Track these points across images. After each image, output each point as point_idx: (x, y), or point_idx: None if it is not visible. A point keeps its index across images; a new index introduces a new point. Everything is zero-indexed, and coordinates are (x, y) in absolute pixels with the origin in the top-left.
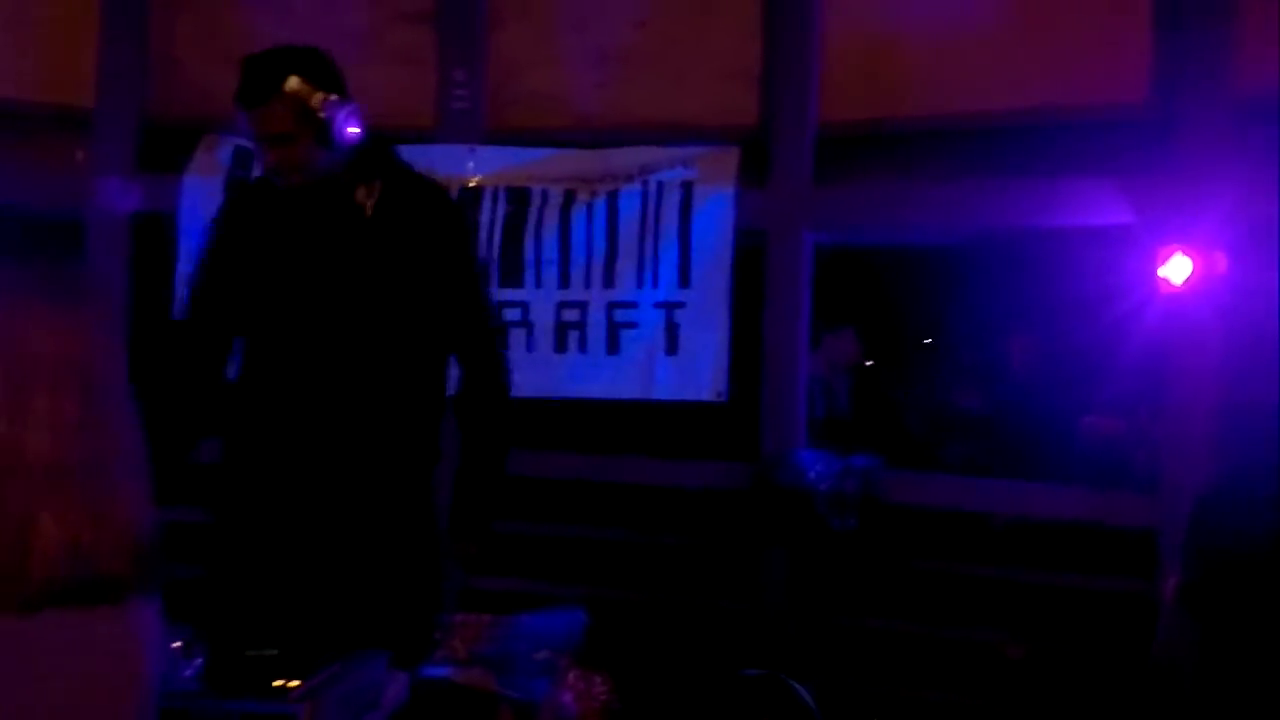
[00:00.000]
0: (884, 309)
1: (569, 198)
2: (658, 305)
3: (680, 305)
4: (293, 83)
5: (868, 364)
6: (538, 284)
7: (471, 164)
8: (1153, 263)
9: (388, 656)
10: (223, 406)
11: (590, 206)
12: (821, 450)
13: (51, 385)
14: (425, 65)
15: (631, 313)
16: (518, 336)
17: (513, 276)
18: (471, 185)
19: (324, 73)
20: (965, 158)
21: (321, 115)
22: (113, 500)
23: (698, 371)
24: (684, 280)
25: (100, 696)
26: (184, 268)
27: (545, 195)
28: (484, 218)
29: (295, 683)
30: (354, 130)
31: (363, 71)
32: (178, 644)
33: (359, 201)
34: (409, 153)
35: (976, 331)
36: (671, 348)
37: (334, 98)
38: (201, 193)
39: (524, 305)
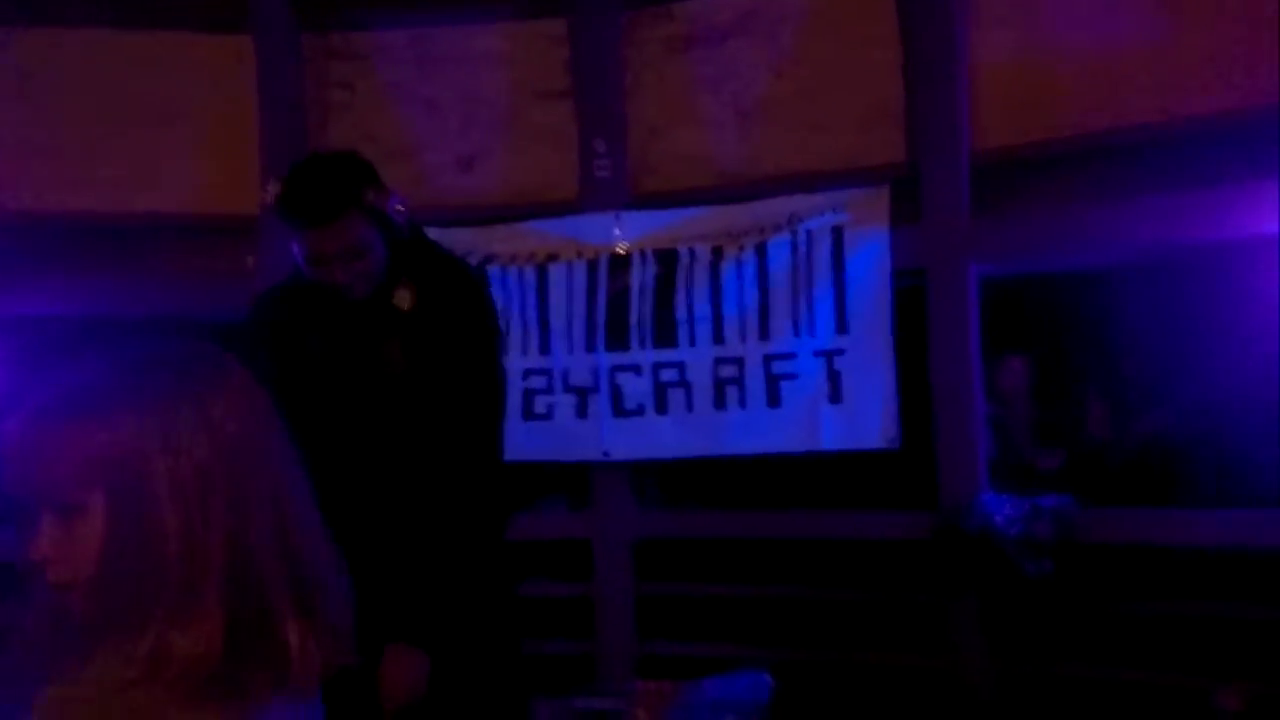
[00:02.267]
0: (1057, 337)
1: (717, 253)
2: (817, 354)
3: (840, 352)
4: (368, 192)
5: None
6: (692, 343)
7: (617, 230)
8: None
9: None
10: None
11: (739, 260)
12: (1007, 493)
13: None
14: (567, 139)
15: (790, 364)
16: (676, 397)
17: (666, 337)
18: (619, 252)
19: (374, 171)
20: (1125, 176)
21: (392, 219)
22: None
23: (865, 418)
24: (842, 326)
25: None
26: None
27: (693, 253)
28: (634, 282)
29: None
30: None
31: (508, 152)
32: None
33: (396, 303)
34: (555, 225)
35: (1159, 354)
36: (835, 396)
37: (394, 195)
38: None
39: (680, 365)
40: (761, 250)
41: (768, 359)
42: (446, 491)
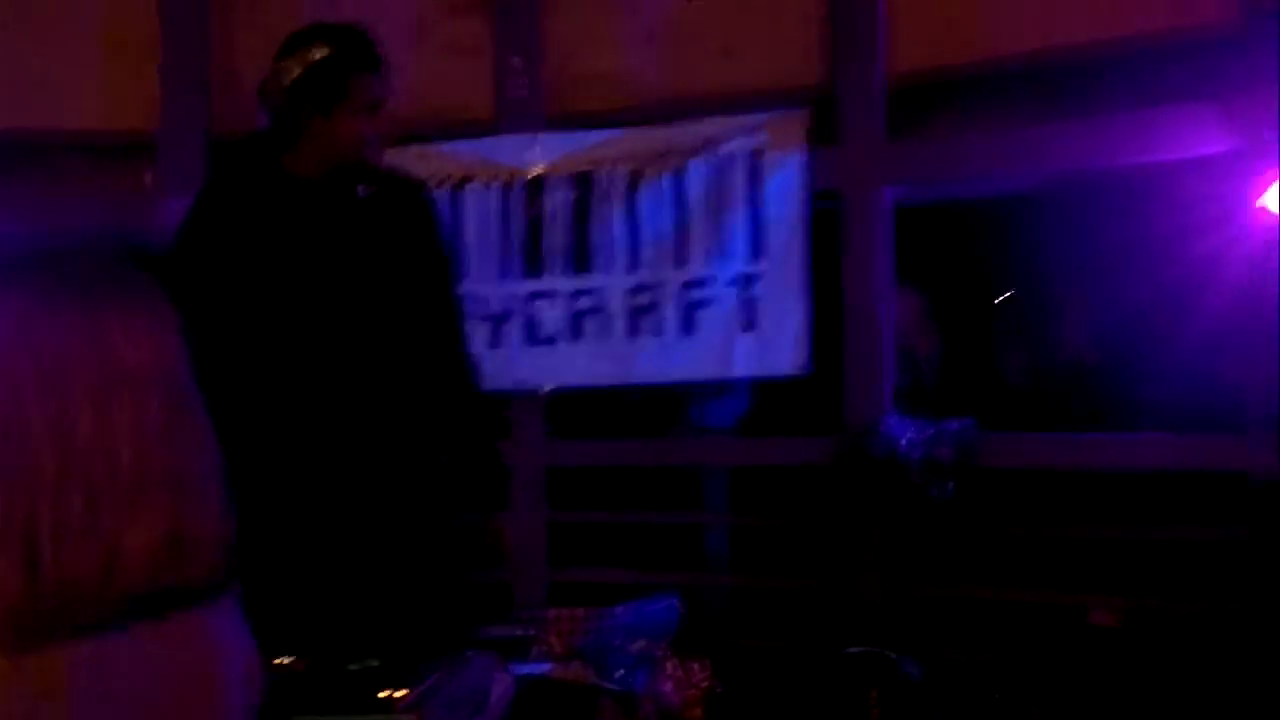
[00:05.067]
0: (970, 265)
1: (635, 177)
2: (732, 280)
3: (756, 277)
4: None
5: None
6: (608, 269)
7: (533, 153)
8: (1252, 191)
9: (490, 656)
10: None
11: (658, 184)
12: (910, 417)
13: (137, 395)
14: (482, 55)
15: (706, 290)
16: (591, 324)
17: (581, 264)
18: (535, 175)
19: None
20: (1048, 98)
21: None
22: (195, 511)
23: (778, 345)
24: (757, 251)
25: (187, 701)
26: None
27: (610, 177)
28: (548, 206)
29: (401, 692)
30: None
31: (417, 64)
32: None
33: (357, 195)
34: (470, 147)
35: (1072, 279)
36: (749, 323)
37: None
38: None
39: (595, 292)
40: (679, 174)
41: (684, 285)
42: (450, 397)
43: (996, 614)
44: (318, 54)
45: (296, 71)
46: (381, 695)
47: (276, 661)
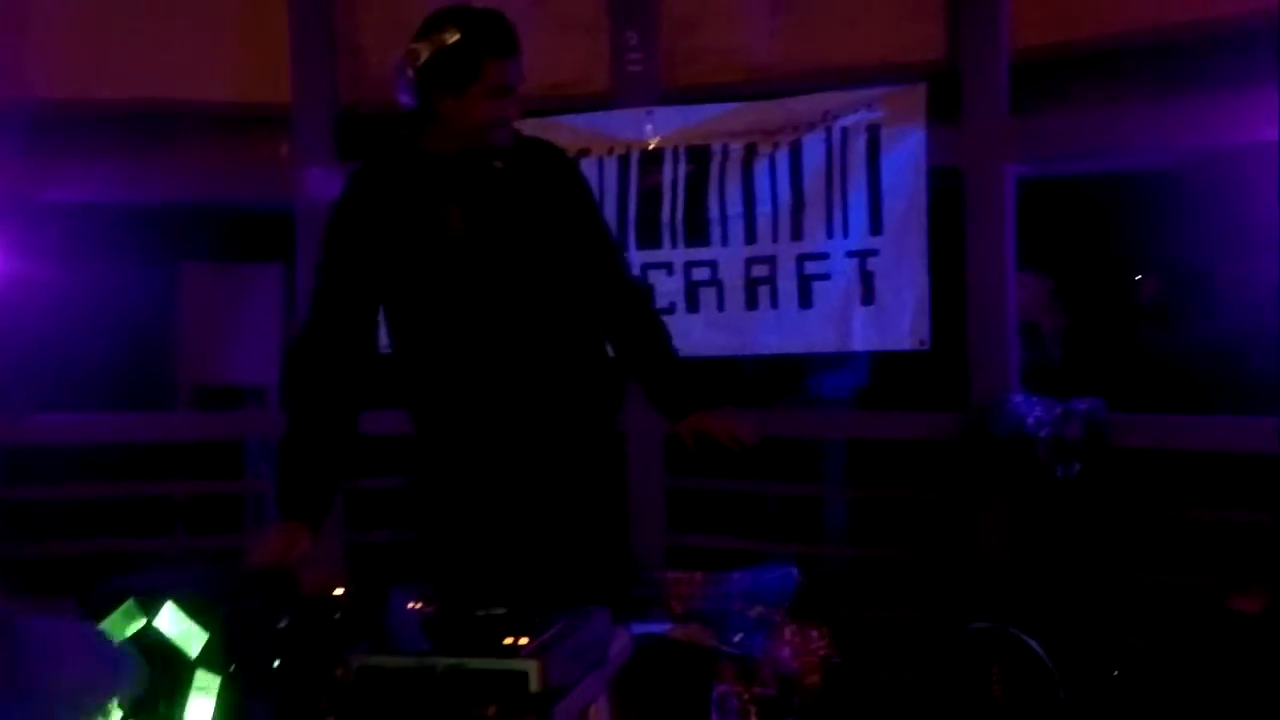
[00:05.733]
0: (1099, 242)
1: (750, 151)
2: (850, 254)
3: (874, 253)
4: None
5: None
6: (724, 241)
7: (649, 126)
8: None
9: (609, 612)
10: (379, 379)
11: (773, 158)
12: (1037, 395)
13: None
14: (599, 31)
15: (823, 264)
16: (707, 296)
17: (698, 236)
18: (651, 148)
19: None
20: (1175, 74)
21: None
22: None
23: (897, 320)
24: (876, 227)
25: None
26: None
27: (726, 150)
28: (665, 179)
29: (524, 640)
30: None
31: (534, 40)
32: (415, 604)
33: (495, 165)
34: (587, 120)
35: (1208, 257)
36: (867, 297)
37: None
38: None
39: (712, 264)
40: (796, 148)
41: (800, 259)
42: (641, 319)
43: (1128, 596)
44: (449, 38)
45: (426, 54)
46: (506, 641)
47: (409, 605)
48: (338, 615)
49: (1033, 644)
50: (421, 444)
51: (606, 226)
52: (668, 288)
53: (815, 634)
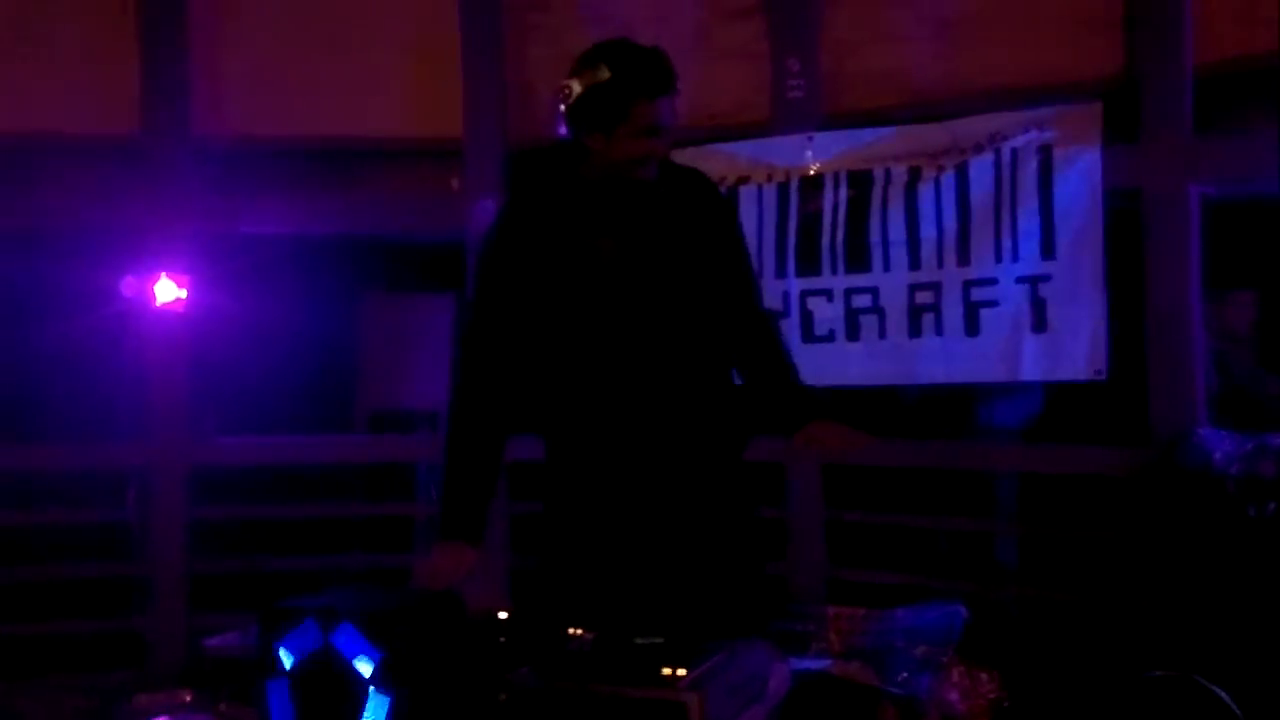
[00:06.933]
0: None
1: (914, 175)
2: (1020, 280)
3: (1045, 278)
4: None
5: None
6: (886, 267)
7: (810, 152)
8: None
9: (770, 644)
10: (524, 407)
11: (938, 181)
12: (1226, 429)
13: None
14: (758, 58)
15: (990, 290)
16: (869, 323)
17: (859, 261)
18: (811, 173)
19: None
20: None
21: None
22: None
23: (1071, 348)
24: (1048, 251)
25: None
26: None
27: (888, 175)
28: (826, 204)
29: (682, 671)
30: None
31: (694, 70)
32: (503, 615)
33: (647, 193)
34: (745, 148)
35: None
36: (1039, 324)
37: None
38: None
39: (874, 291)
40: (962, 171)
41: (967, 285)
42: (773, 359)
43: None
44: (600, 75)
45: (578, 90)
46: (665, 672)
47: (570, 631)
48: (502, 638)
49: (1220, 693)
50: (553, 470)
51: (749, 258)
52: (827, 315)
53: (985, 677)
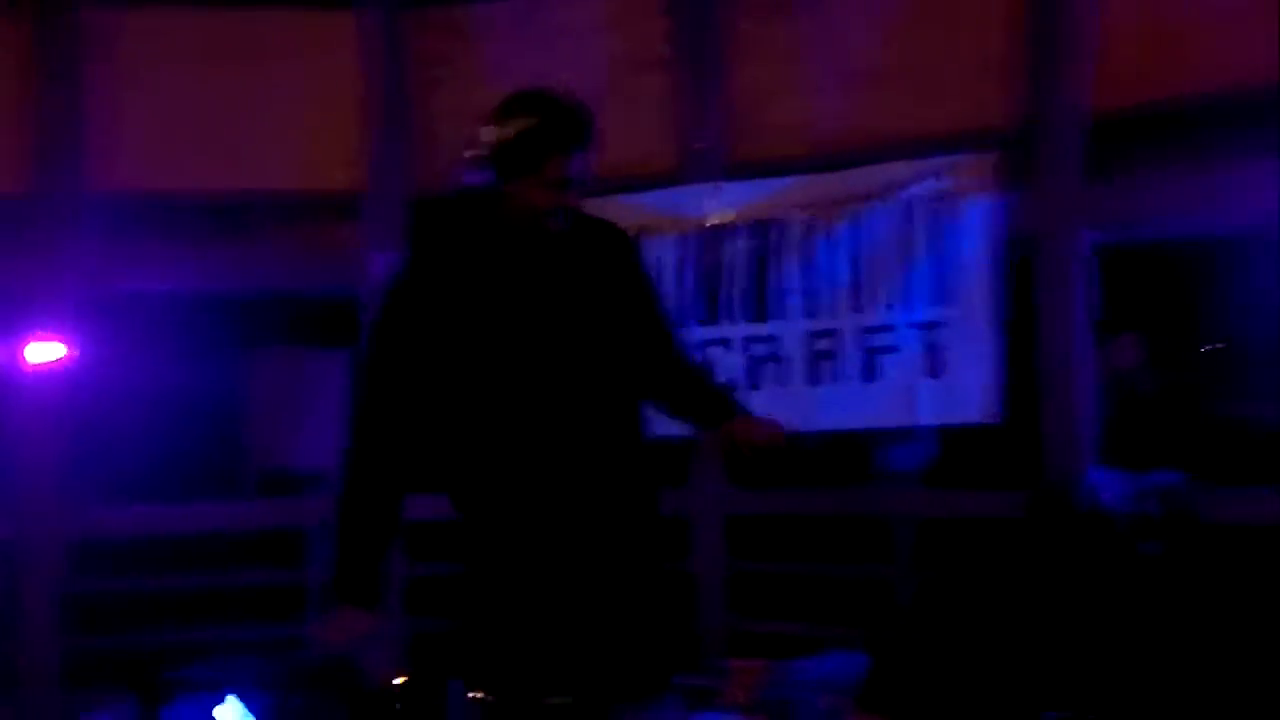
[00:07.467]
0: (1177, 311)
1: (812, 224)
2: (916, 326)
3: (940, 324)
4: None
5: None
6: (785, 316)
7: (715, 202)
8: None
9: (680, 701)
10: (427, 464)
11: (834, 231)
12: (1115, 469)
13: None
14: (665, 109)
15: (888, 336)
16: (769, 372)
17: (758, 311)
18: (713, 224)
19: None
20: (1251, 137)
21: None
22: None
23: (966, 393)
24: (943, 297)
25: None
26: None
27: (787, 225)
28: (726, 254)
29: None
30: None
31: (602, 121)
32: (400, 680)
33: (554, 242)
34: (651, 199)
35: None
36: (934, 370)
37: None
38: None
39: (773, 339)
40: (858, 219)
41: (865, 331)
42: (683, 362)
43: (1217, 680)
44: (519, 125)
45: (491, 139)
46: None
47: (471, 695)
48: (398, 705)
49: None
50: (468, 527)
51: (663, 306)
52: (728, 363)
53: None
